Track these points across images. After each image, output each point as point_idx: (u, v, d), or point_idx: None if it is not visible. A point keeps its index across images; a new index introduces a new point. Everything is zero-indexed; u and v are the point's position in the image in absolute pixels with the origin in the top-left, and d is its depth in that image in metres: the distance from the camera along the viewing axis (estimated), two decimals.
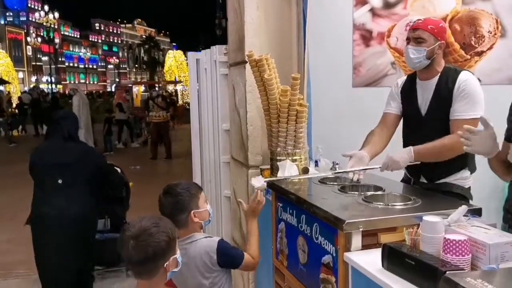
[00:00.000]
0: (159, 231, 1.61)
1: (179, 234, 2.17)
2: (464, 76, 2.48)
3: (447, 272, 1.44)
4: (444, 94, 2.50)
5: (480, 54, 3.54)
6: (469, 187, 2.59)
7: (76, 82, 77.80)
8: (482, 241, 1.55)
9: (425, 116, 2.61)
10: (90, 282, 3.89)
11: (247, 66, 3.17)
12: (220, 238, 2.23)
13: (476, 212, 2.00)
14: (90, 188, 3.54)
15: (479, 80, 3.51)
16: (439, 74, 2.55)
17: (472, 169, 2.59)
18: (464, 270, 1.51)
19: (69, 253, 3.45)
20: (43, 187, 3.47)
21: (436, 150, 2.44)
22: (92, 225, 3.73)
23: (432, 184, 2.56)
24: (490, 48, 3.54)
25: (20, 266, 4.80)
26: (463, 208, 1.81)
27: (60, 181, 3.43)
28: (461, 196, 2.48)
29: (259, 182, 2.41)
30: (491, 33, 3.54)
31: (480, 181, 2.74)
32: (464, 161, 2.52)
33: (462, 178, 2.56)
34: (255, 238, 2.30)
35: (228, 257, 2.16)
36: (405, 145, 2.67)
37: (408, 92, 2.71)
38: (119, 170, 4.58)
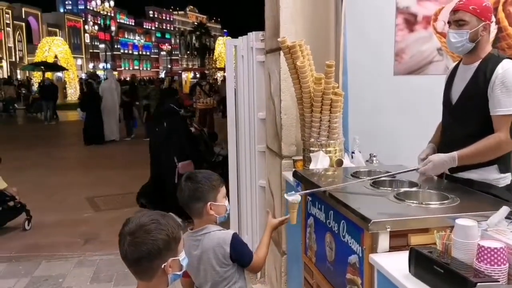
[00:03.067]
0: (157, 228, 1.48)
1: (195, 224, 2.15)
2: (505, 65, 2.23)
3: (479, 283, 1.29)
4: (479, 84, 2.29)
5: None
6: (506, 186, 2.34)
7: (131, 68, 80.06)
8: None
9: (455, 105, 2.42)
10: None
11: (282, 53, 3.05)
12: (234, 232, 2.17)
13: None
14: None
15: None
16: (480, 60, 2.33)
17: (505, 169, 2.34)
18: (499, 281, 1.35)
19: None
20: None
21: (482, 152, 2.25)
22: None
23: (461, 182, 2.36)
24: None
25: (63, 248, 4.96)
26: (505, 210, 1.63)
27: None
28: (495, 197, 2.22)
29: (293, 195, 2.31)
30: None
31: None
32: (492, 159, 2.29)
33: (492, 179, 2.32)
34: (266, 247, 2.28)
35: (240, 252, 2.12)
36: (443, 133, 2.54)
37: (449, 78, 2.53)
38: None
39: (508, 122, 2.19)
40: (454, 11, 2.32)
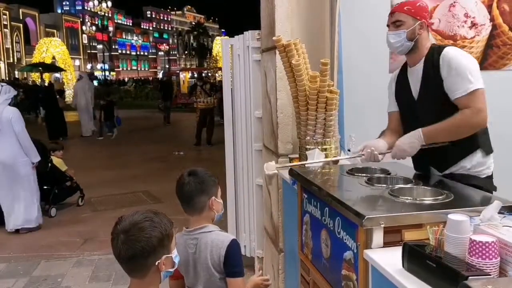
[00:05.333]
0: (151, 226, 1.50)
1: (190, 222, 2.14)
2: (447, 52, 2.31)
3: (470, 277, 1.30)
4: (432, 74, 2.35)
5: None
6: (488, 177, 2.38)
7: (128, 68, 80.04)
8: None
9: (417, 99, 2.47)
10: None
11: (278, 51, 3.06)
12: (234, 238, 2.13)
13: None
14: None
15: None
16: (425, 56, 2.40)
17: (488, 150, 2.37)
18: (490, 275, 1.36)
19: None
20: None
21: (448, 128, 2.30)
22: None
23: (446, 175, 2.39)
24: None
25: (62, 248, 4.98)
26: (497, 204, 1.64)
27: None
28: (478, 188, 2.22)
29: (271, 169, 2.33)
30: None
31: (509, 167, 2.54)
32: (475, 141, 2.32)
33: (478, 165, 2.35)
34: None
35: (232, 260, 2.05)
36: (404, 133, 2.52)
37: (402, 81, 2.57)
38: None
39: (470, 99, 2.24)
40: (391, 13, 2.43)
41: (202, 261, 2.07)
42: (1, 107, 5.29)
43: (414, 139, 2.32)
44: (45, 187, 5.89)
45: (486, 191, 2.20)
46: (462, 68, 2.26)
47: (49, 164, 6.03)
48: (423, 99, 2.44)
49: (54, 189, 6.10)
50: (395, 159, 2.44)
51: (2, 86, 5.52)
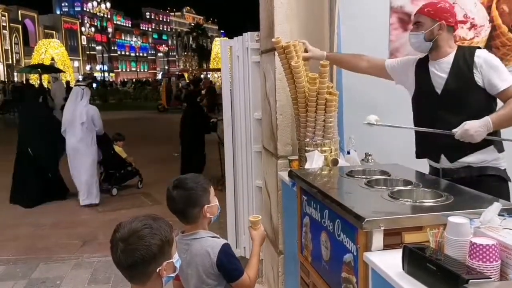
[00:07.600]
0: (150, 233, 1.47)
1: (186, 228, 2.12)
2: (481, 52, 2.46)
3: (471, 280, 1.30)
4: (463, 70, 2.45)
5: None
6: (505, 169, 2.49)
7: (128, 70, 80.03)
8: None
9: (441, 94, 2.53)
10: None
11: (277, 53, 3.06)
12: (226, 242, 2.10)
13: None
14: None
15: None
16: (453, 53, 2.50)
17: (500, 149, 2.48)
18: (491, 278, 1.35)
19: None
20: None
21: None
22: None
23: (461, 170, 2.49)
24: None
25: (61, 250, 4.96)
26: (496, 206, 1.64)
27: None
28: (498, 177, 2.44)
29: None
30: None
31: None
32: (488, 139, 2.39)
33: (492, 160, 2.46)
34: (256, 261, 2.19)
35: (227, 264, 2.03)
36: (416, 124, 2.66)
37: (422, 71, 2.65)
38: None
39: None
40: (414, 14, 2.57)
41: (193, 267, 2.05)
42: (86, 107, 6.42)
43: (485, 128, 2.33)
44: (110, 170, 7.16)
45: (505, 180, 2.45)
46: (501, 67, 2.42)
47: (112, 152, 7.13)
48: (448, 93, 2.50)
49: (116, 172, 7.22)
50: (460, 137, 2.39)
51: (83, 89, 6.54)
